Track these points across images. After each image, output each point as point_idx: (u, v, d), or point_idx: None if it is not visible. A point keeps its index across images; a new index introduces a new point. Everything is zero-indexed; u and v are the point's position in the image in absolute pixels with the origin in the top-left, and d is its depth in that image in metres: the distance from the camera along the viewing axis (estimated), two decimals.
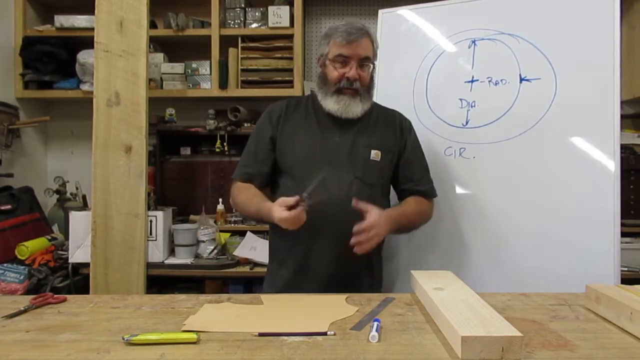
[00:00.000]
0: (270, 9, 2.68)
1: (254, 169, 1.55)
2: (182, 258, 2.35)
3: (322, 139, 1.51)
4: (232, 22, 2.72)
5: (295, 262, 1.51)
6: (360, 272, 1.52)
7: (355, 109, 1.49)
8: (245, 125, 2.74)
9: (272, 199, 1.47)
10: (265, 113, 1.60)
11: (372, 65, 1.51)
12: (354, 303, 1.18)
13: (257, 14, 2.72)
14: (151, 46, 2.56)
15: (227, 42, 2.72)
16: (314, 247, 1.48)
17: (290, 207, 1.29)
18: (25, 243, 2.31)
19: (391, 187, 1.63)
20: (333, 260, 1.47)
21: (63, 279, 2.26)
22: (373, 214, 1.34)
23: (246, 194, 1.52)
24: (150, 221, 2.29)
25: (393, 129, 1.58)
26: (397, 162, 1.58)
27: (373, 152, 1.51)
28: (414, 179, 1.58)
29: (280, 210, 1.30)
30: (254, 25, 2.71)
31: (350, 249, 1.37)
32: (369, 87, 1.52)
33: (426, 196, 1.59)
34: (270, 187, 1.60)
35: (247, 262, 2.36)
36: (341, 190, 1.47)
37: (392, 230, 1.45)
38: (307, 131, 1.53)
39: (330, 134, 1.52)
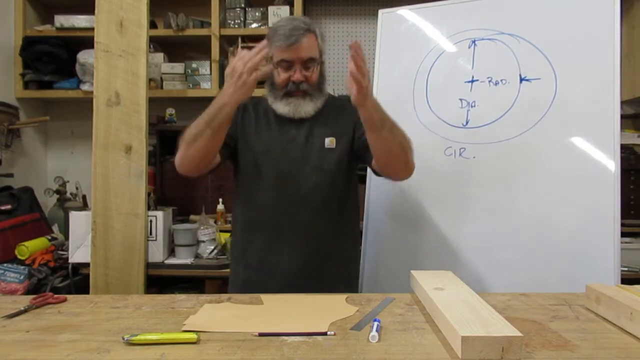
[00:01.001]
0: (270, 9, 2.68)
1: None
2: (182, 258, 2.35)
3: (279, 135, 1.52)
4: (232, 22, 2.72)
5: (255, 258, 1.50)
6: (324, 264, 1.50)
7: (305, 108, 1.48)
8: None
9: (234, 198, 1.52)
10: None
11: (318, 63, 1.47)
12: (354, 303, 1.18)
13: (257, 14, 2.72)
14: (151, 46, 2.56)
15: (227, 42, 2.72)
16: (273, 241, 1.47)
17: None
18: (25, 243, 2.30)
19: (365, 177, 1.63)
20: (294, 253, 1.45)
21: (63, 279, 2.26)
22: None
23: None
24: (150, 221, 2.29)
25: (347, 111, 1.49)
26: (355, 136, 1.51)
27: (327, 139, 1.50)
28: None
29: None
30: (254, 25, 2.71)
31: (312, 241, 1.39)
32: (319, 83, 1.50)
33: None
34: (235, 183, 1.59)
35: None
36: (299, 182, 1.47)
37: (374, 103, 1.30)
38: (264, 129, 1.53)
39: (286, 130, 1.52)
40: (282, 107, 1.49)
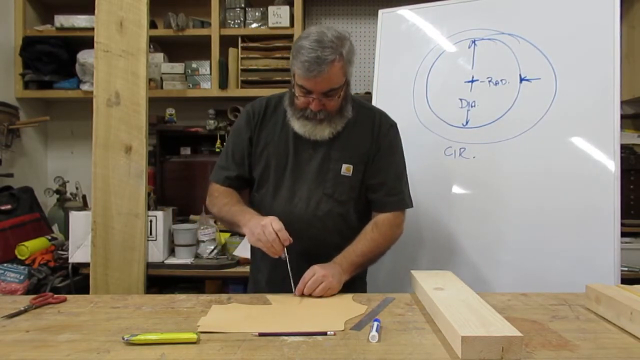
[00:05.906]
0: (270, 9, 2.68)
1: (234, 173, 1.51)
2: (182, 258, 2.35)
3: (295, 151, 1.46)
4: (232, 22, 2.72)
5: (267, 273, 1.50)
6: None
7: (321, 132, 1.42)
8: None
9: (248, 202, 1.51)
10: (244, 112, 1.55)
11: (342, 89, 1.38)
12: (357, 302, 1.18)
13: (257, 14, 2.72)
14: (151, 46, 2.56)
15: (227, 42, 2.72)
16: (279, 262, 1.38)
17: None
18: (25, 243, 2.30)
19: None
20: (299, 275, 1.35)
21: (63, 279, 2.26)
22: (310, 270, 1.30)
23: (229, 199, 1.48)
24: (150, 221, 2.29)
25: (370, 134, 1.48)
26: (367, 169, 1.48)
27: (344, 166, 1.45)
28: (381, 188, 1.48)
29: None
30: (254, 25, 2.71)
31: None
32: (340, 107, 1.42)
33: (391, 209, 1.48)
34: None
35: (247, 262, 2.35)
36: (309, 207, 1.44)
37: (349, 275, 1.37)
38: (280, 141, 1.48)
39: (303, 146, 1.46)
40: (297, 127, 1.42)
